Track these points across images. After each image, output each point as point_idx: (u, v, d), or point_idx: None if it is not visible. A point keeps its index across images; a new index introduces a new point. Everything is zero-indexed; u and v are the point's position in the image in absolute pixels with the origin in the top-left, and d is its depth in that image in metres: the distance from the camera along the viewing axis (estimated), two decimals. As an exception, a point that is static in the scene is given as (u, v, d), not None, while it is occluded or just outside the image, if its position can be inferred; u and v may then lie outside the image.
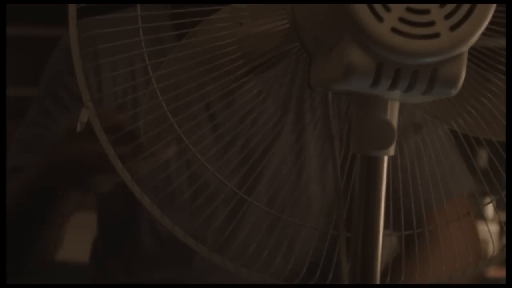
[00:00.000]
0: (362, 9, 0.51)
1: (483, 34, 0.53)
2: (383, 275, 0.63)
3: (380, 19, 0.52)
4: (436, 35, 0.52)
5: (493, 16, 0.53)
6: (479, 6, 0.52)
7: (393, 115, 0.55)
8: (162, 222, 0.63)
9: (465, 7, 0.52)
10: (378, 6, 0.52)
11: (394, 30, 0.52)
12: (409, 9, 0.52)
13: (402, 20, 0.52)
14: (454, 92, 0.53)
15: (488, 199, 0.71)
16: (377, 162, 0.54)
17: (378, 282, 0.51)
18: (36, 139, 1.06)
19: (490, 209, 0.74)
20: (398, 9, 0.52)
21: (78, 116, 0.65)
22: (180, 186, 0.94)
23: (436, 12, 0.52)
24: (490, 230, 0.75)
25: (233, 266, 0.66)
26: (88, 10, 0.61)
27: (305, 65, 0.60)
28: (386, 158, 0.54)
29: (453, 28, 0.52)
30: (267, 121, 0.91)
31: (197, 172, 0.74)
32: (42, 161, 0.96)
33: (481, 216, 0.72)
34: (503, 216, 0.76)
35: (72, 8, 0.55)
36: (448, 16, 0.52)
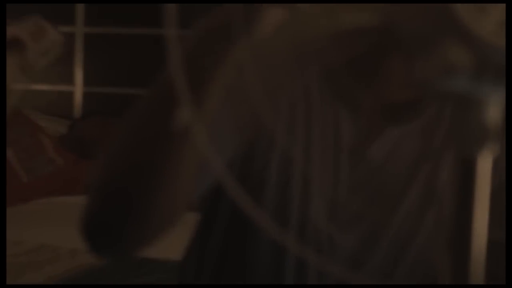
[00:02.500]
0: (464, 9, 0.51)
1: None
2: None
3: (482, 18, 0.51)
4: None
5: None
6: None
7: (494, 116, 0.54)
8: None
9: None
10: (480, 6, 0.51)
11: (496, 29, 0.51)
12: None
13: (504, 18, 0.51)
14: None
15: None
16: (478, 164, 0.54)
17: (483, 282, 0.51)
18: None
19: None
20: (500, 8, 0.51)
21: None
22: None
23: (539, 9, 0.51)
24: None
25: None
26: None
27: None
28: (486, 160, 0.54)
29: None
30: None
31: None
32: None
33: None
34: None
35: (171, 8, 0.56)
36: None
